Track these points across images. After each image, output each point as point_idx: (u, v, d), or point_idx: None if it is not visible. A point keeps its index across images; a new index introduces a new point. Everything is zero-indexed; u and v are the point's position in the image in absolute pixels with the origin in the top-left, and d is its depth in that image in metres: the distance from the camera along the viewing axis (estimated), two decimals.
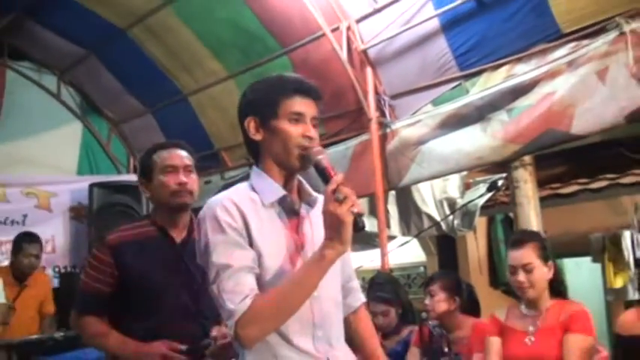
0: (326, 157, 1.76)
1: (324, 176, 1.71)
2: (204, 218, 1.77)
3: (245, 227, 1.74)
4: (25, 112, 6.63)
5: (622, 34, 3.55)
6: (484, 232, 6.80)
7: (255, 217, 1.77)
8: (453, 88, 4.53)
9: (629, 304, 5.51)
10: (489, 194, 5.29)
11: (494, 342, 3.01)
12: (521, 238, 3.01)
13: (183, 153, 2.58)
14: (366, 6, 4.72)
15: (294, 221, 1.85)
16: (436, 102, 4.61)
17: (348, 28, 4.86)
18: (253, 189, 1.84)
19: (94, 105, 7.19)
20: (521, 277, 2.87)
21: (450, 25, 4.38)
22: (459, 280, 3.62)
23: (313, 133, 1.81)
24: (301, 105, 1.81)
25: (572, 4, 3.79)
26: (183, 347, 2.34)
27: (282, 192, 1.82)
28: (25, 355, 3.92)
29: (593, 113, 3.65)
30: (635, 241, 5.80)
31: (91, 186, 6.25)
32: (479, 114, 4.23)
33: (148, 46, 5.93)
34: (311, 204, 1.90)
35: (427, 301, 3.49)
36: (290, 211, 1.85)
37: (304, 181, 1.93)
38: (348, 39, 4.88)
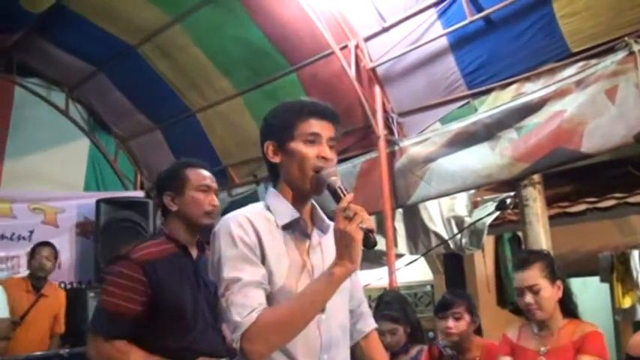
0: (338, 178, 1.78)
1: (336, 196, 1.72)
2: (218, 233, 1.79)
3: (259, 244, 1.76)
4: (33, 127, 6.67)
5: (631, 53, 3.56)
6: (492, 250, 6.77)
7: (269, 236, 1.79)
8: (462, 106, 4.54)
9: (639, 325, 5.47)
10: (497, 213, 5.26)
11: None
12: (526, 258, 2.94)
13: (212, 176, 2.63)
14: (375, 24, 4.75)
15: (306, 245, 1.87)
16: (444, 120, 4.62)
17: (357, 47, 4.89)
18: (268, 209, 1.86)
19: (101, 121, 7.23)
20: (529, 298, 2.83)
21: (459, 43, 4.40)
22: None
23: (329, 153, 1.83)
24: (317, 126, 1.84)
25: (581, 23, 3.80)
26: None
27: (296, 214, 1.84)
28: None
29: (602, 132, 3.64)
30: None
31: (98, 202, 6.27)
32: (487, 132, 4.23)
33: (156, 63, 5.97)
34: (324, 230, 1.92)
35: (450, 324, 3.38)
36: (302, 234, 1.87)
37: (318, 207, 1.95)
38: (357, 57, 4.90)
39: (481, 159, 4.21)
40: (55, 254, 5.27)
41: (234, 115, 5.92)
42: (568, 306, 2.93)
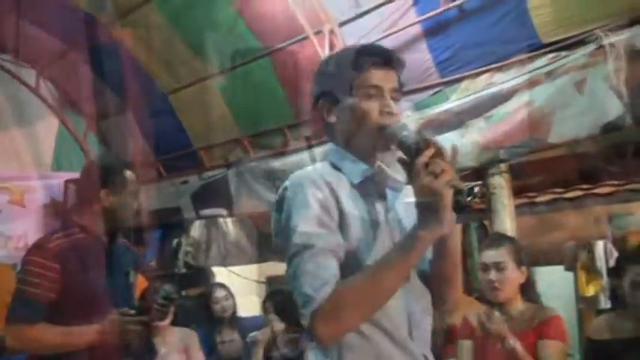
0: (410, 132, 1.53)
1: (414, 152, 1.46)
2: (287, 193, 1.58)
3: (337, 206, 1.56)
4: (2, 105, 6.54)
5: (601, 47, 3.59)
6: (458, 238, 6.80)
7: (346, 195, 1.59)
8: (434, 94, 4.55)
9: (600, 313, 5.57)
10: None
11: (466, 345, 3.03)
12: (497, 238, 3.06)
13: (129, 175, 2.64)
14: (349, 10, 4.73)
15: (383, 204, 1.67)
16: (418, 106, 4.63)
17: (331, 32, 4.87)
18: (336, 167, 1.66)
19: (71, 100, 7.11)
20: (493, 275, 2.86)
21: (432, 31, 4.40)
22: None
23: (393, 107, 1.63)
24: (378, 77, 1.63)
25: (553, 15, 3.83)
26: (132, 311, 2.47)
27: (370, 171, 1.64)
28: None
29: (570, 123, 3.68)
30: (608, 251, 5.86)
31: (67, 182, 6.18)
32: (458, 120, 4.24)
33: (130, 43, 5.88)
34: (396, 189, 1.69)
35: None
36: (378, 192, 1.67)
37: (384, 166, 1.71)
38: (331, 42, 4.88)
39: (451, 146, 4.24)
40: None
41: (206, 98, 5.86)
42: (529, 292, 2.98)
